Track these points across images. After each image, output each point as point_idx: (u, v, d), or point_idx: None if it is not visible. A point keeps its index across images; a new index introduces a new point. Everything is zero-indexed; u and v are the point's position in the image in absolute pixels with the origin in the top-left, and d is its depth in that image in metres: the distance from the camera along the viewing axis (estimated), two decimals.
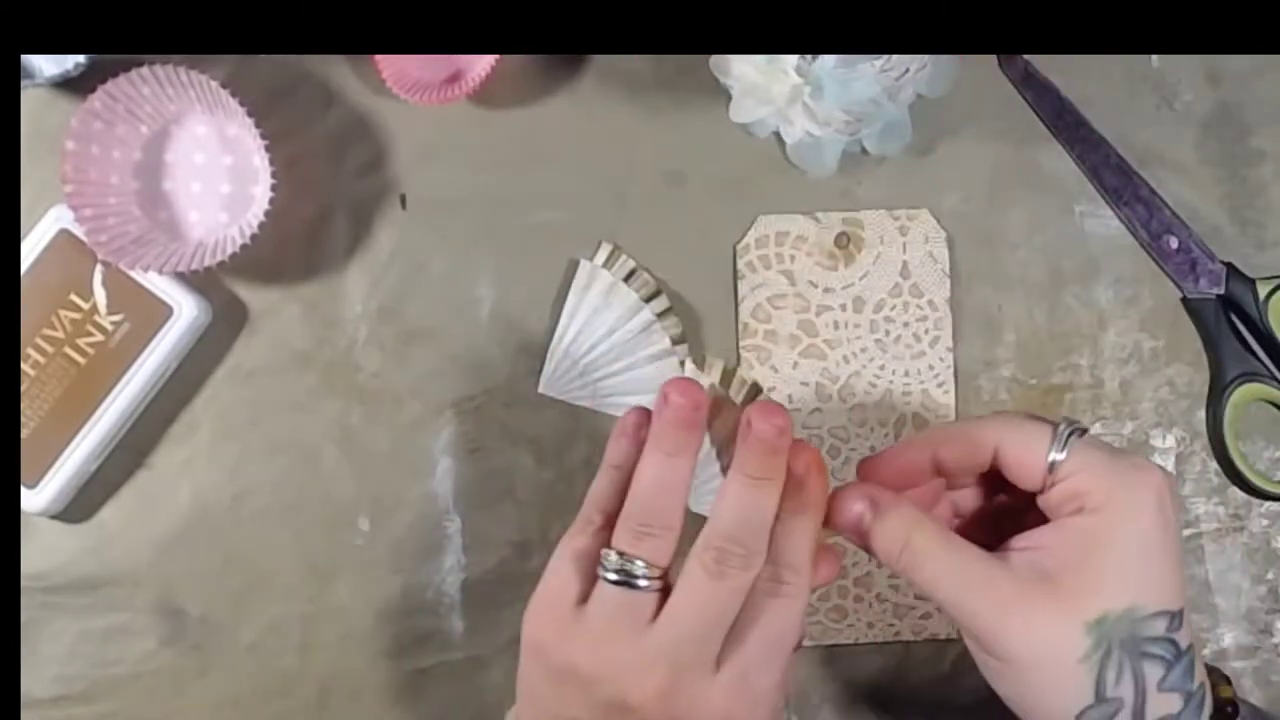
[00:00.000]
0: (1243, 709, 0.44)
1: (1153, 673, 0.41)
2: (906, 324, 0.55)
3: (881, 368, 0.55)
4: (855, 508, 0.43)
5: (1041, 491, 0.43)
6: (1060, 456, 0.42)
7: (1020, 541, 0.42)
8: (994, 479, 0.45)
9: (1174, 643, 0.42)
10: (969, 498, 0.47)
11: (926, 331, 0.55)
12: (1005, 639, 0.41)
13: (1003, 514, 0.46)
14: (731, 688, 0.41)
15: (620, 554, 0.41)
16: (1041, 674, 0.41)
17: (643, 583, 0.41)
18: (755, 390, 0.53)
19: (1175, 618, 0.42)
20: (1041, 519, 0.43)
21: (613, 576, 0.41)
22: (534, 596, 0.43)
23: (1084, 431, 0.43)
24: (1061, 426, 0.43)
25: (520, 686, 0.44)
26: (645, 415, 0.43)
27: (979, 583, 0.41)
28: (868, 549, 0.43)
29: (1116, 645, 0.41)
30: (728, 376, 0.53)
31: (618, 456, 0.43)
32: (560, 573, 0.43)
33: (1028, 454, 0.42)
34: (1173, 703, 0.42)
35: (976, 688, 0.52)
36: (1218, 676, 0.44)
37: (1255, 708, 0.45)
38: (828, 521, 0.43)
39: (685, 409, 0.41)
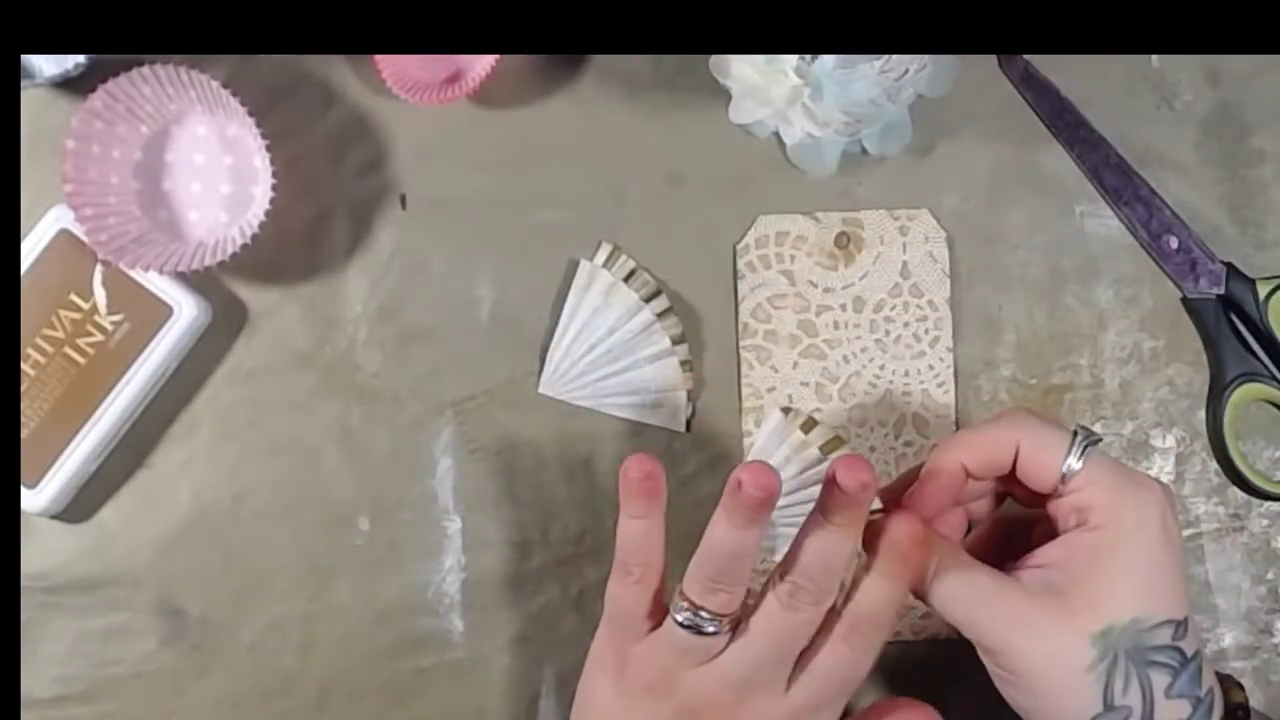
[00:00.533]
0: (1255, 717, 0.44)
1: (1159, 680, 0.42)
2: (906, 324, 0.55)
3: (881, 368, 0.55)
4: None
5: (1051, 496, 0.45)
6: (1076, 465, 0.44)
7: (1031, 560, 0.45)
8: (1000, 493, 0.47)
9: (1179, 650, 0.43)
10: (980, 514, 0.49)
11: (926, 331, 0.55)
12: (1015, 652, 0.43)
13: (1013, 530, 0.49)
14: (796, 713, 0.44)
15: (690, 603, 0.43)
16: (1051, 684, 0.43)
17: (710, 628, 0.43)
18: (837, 441, 0.53)
19: (1180, 626, 0.43)
20: (1048, 532, 0.45)
21: (682, 619, 0.43)
22: (596, 639, 0.47)
23: (1098, 441, 0.44)
24: (1079, 435, 0.44)
25: (583, 705, 0.46)
26: (650, 466, 0.44)
27: (990, 600, 0.43)
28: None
29: (1122, 655, 0.42)
30: (809, 425, 0.53)
31: (638, 509, 0.44)
32: (617, 620, 0.45)
33: (1045, 458, 0.44)
34: (1181, 709, 0.43)
35: (977, 688, 0.52)
36: (1230, 682, 0.45)
37: (1266, 717, 0.45)
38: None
39: (761, 497, 0.42)
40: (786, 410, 0.54)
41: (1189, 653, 0.43)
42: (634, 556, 0.45)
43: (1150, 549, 0.43)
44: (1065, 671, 0.42)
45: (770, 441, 0.53)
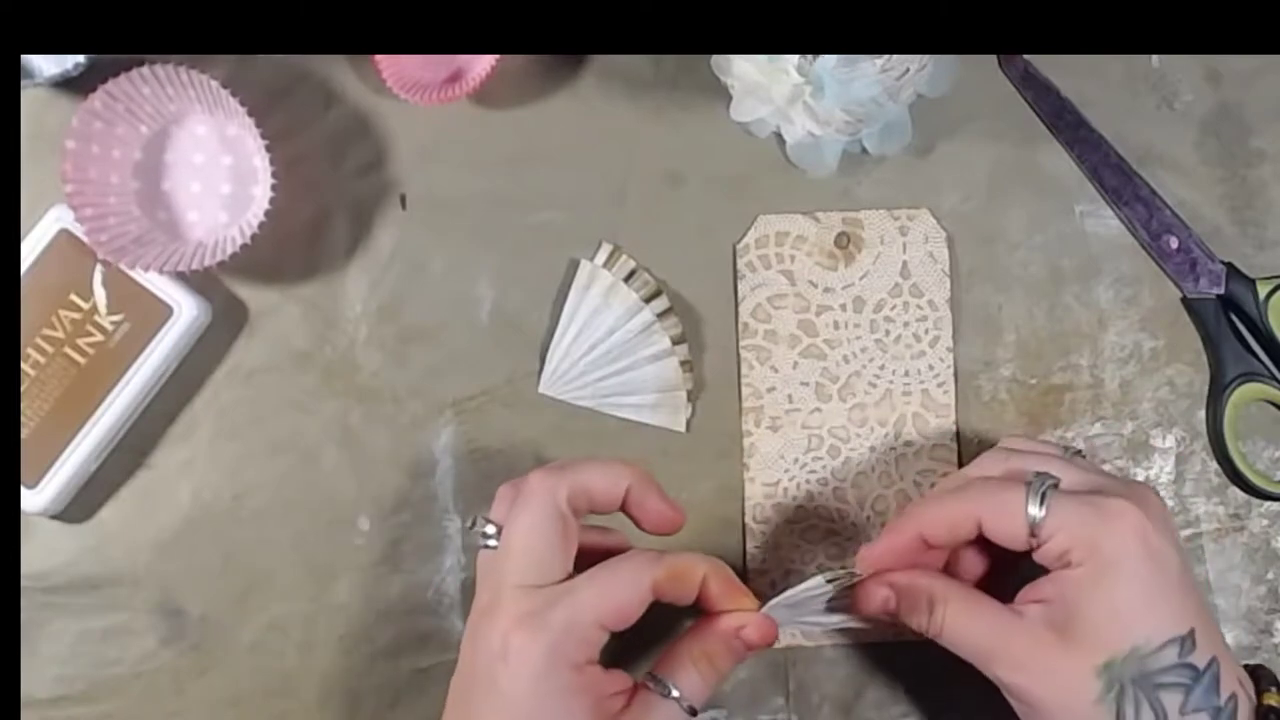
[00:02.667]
0: None
1: (1172, 701, 0.42)
2: (906, 324, 0.55)
3: (881, 368, 0.55)
4: (880, 594, 0.46)
5: (1032, 550, 0.44)
6: (1039, 514, 0.43)
7: (1029, 594, 0.44)
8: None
9: (1190, 666, 0.42)
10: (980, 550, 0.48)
11: (926, 331, 0.55)
12: (1026, 688, 0.43)
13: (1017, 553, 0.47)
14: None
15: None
16: (1064, 716, 0.43)
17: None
18: (851, 575, 0.52)
19: (1185, 641, 0.42)
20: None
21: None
22: None
23: (1056, 484, 0.44)
24: (1034, 483, 0.44)
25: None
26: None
27: (998, 638, 0.44)
28: (901, 626, 0.46)
29: (1129, 684, 0.42)
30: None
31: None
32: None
33: (1007, 522, 0.44)
34: None
35: (976, 688, 0.52)
36: (1268, 680, 0.44)
37: None
38: (858, 610, 0.47)
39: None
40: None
41: (1201, 665, 0.42)
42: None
43: (1135, 575, 0.42)
44: (1076, 705, 0.42)
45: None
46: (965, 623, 0.44)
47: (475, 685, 0.43)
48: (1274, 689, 0.44)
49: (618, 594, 0.43)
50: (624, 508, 0.46)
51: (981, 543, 0.46)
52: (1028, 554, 0.45)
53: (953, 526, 0.45)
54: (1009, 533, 0.44)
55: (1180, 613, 0.43)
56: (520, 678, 0.41)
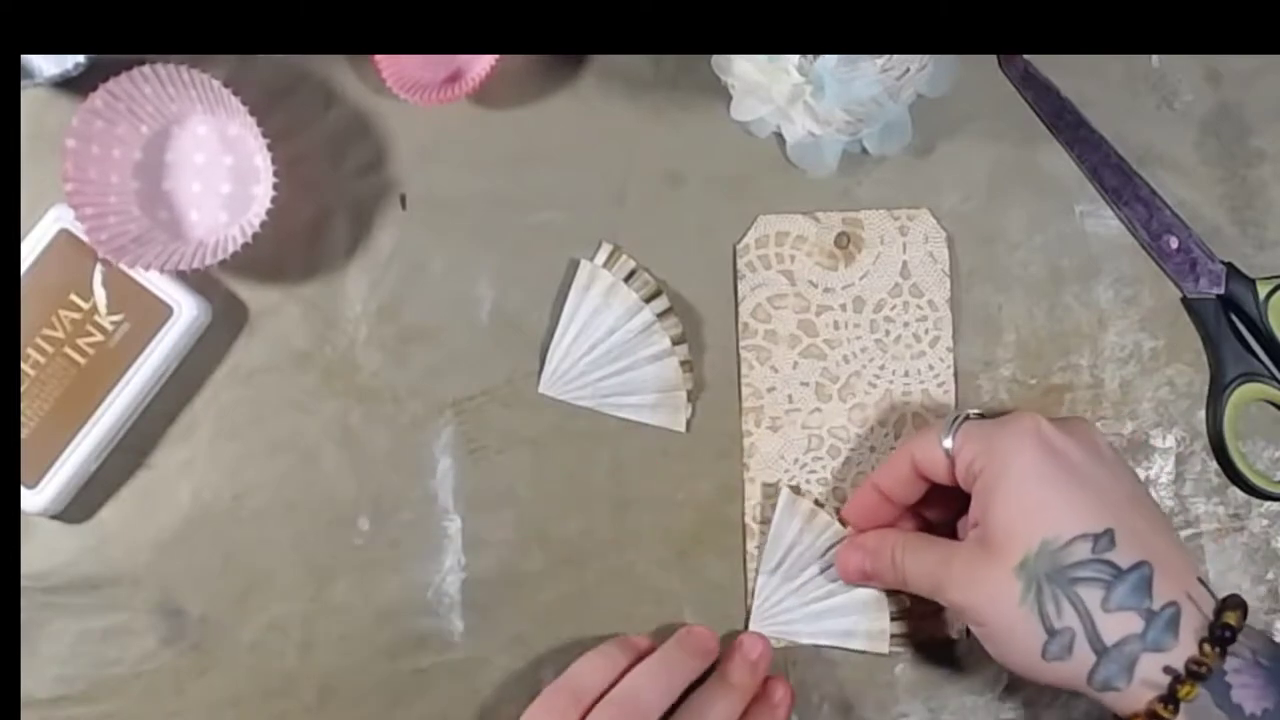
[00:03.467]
0: (1255, 640, 0.43)
1: (1091, 596, 0.43)
2: (906, 324, 0.55)
3: (881, 368, 0.55)
4: (855, 558, 0.51)
5: (955, 480, 0.47)
6: (950, 443, 0.47)
7: (966, 522, 0.48)
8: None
9: (1108, 563, 0.43)
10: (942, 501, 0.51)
11: (926, 331, 0.55)
12: (965, 604, 0.46)
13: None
14: None
15: None
16: (1002, 625, 0.44)
17: None
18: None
19: (1101, 539, 0.43)
20: None
21: None
22: None
23: (969, 417, 0.48)
24: (954, 418, 0.48)
25: None
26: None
27: (941, 566, 0.47)
28: (883, 586, 0.52)
29: (1045, 580, 0.43)
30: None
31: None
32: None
33: (929, 452, 0.48)
34: (1130, 622, 0.43)
35: (976, 688, 0.52)
36: (1234, 603, 0.44)
37: (1269, 637, 0.44)
38: (845, 577, 0.52)
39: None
40: (795, 489, 0.54)
41: (1124, 564, 0.43)
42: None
43: (1035, 470, 0.44)
44: (1006, 611, 0.44)
45: (784, 519, 0.54)
46: (916, 561, 0.48)
47: None
48: (1240, 612, 0.44)
49: None
50: None
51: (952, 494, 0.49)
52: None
53: (894, 471, 0.50)
54: (934, 465, 0.48)
55: (1094, 510, 0.44)
56: None
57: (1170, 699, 0.42)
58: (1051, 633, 0.43)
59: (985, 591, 0.45)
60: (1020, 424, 0.46)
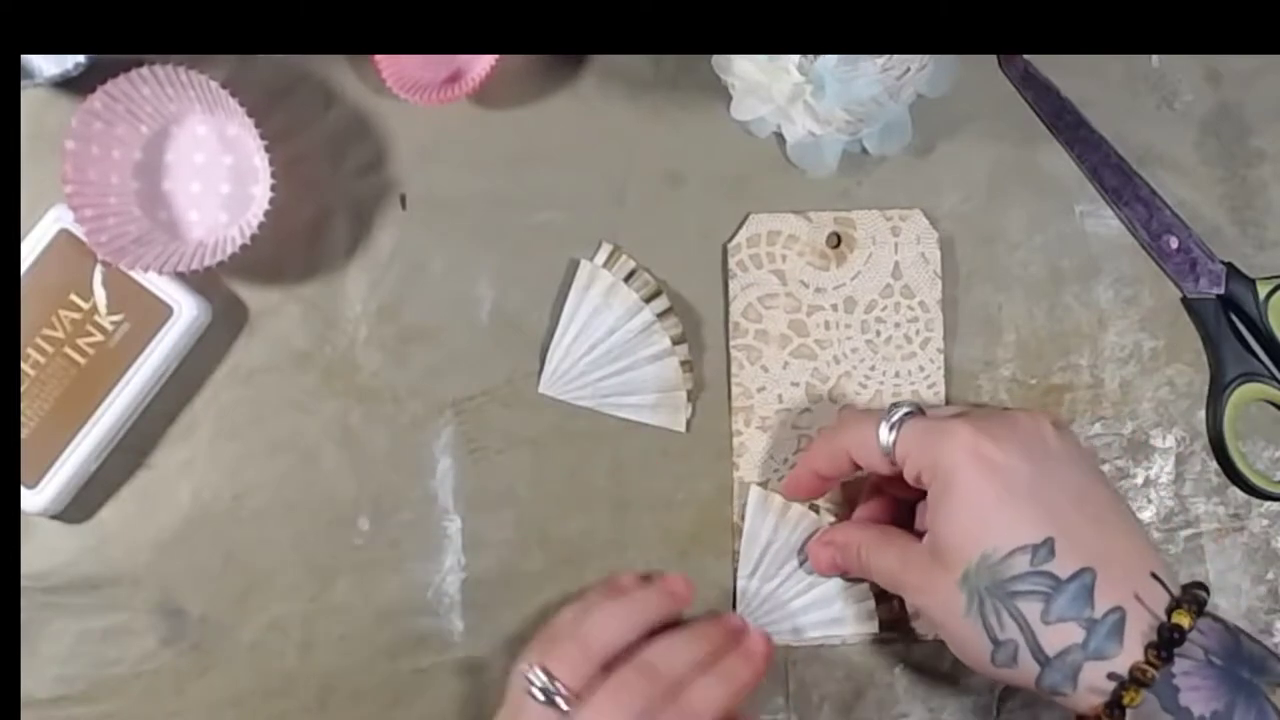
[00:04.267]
0: (1211, 636, 0.42)
1: (1030, 609, 0.43)
2: (898, 325, 0.55)
3: (872, 368, 0.55)
4: (826, 554, 0.52)
5: (901, 479, 0.48)
6: (889, 439, 0.47)
7: (921, 522, 0.49)
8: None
9: (1047, 574, 0.43)
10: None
11: (917, 332, 0.55)
12: (923, 610, 0.47)
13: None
14: None
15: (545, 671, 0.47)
16: (953, 630, 0.45)
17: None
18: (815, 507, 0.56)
19: (1040, 549, 0.43)
20: None
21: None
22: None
23: (917, 411, 0.47)
24: (890, 413, 0.47)
25: None
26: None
27: (899, 565, 0.47)
28: (855, 577, 0.53)
29: (985, 593, 0.44)
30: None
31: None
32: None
33: (866, 447, 0.48)
34: (1071, 633, 0.42)
35: (976, 688, 0.52)
36: (1191, 601, 0.43)
37: (1231, 630, 0.43)
38: (818, 569, 0.53)
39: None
40: (763, 485, 0.55)
41: (1063, 575, 0.43)
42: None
43: (971, 486, 0.44)
44: (953, 620, 0.45)
45: (757, 517, 0.54)
46: (878, 557, 0.49)
47: None
48: (1191, 608, 0.43)
49: None
50: None
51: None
52: None
53: (831, 458, 0.50)
54: (871, 461, 0.48)
55: (1032, 521, 0.43)
56: None
57: (1115, 705, 0.41)
58: (997, 644, 0.43)
59: (937, 599, 0.45)
60: (956, 439, 0.45)
